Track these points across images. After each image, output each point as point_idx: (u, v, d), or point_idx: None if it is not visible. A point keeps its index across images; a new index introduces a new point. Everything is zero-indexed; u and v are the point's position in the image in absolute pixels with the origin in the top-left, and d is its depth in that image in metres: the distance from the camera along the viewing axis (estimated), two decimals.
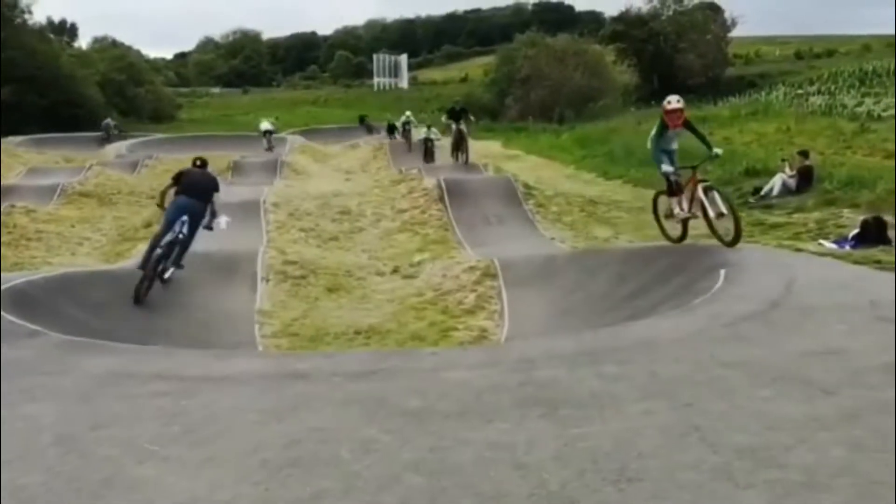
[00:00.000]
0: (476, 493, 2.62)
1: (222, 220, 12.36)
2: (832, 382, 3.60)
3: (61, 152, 30.46)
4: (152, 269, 8.51)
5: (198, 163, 9.85)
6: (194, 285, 9.68)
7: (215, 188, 9.38)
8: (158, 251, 8.57)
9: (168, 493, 2.71)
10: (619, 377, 3.85)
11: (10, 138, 31.13)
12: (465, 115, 22.17)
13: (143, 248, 12.79)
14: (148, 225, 15.13)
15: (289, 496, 2.66)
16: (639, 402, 3.45)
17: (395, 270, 11.49)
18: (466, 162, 21.36)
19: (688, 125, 8.74)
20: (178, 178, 9.23)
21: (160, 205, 9.45)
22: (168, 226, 8.74)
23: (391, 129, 32.19)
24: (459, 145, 21.68)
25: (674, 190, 8.72)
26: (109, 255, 13.34)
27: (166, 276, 8.87)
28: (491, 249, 11.67)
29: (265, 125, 31.93)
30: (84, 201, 18.20)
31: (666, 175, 8.70)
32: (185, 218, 8.76)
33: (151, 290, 8.50)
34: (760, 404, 3.36)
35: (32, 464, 2.94)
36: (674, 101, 8.62)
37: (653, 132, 8.84)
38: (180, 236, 8.74)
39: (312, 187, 19.24)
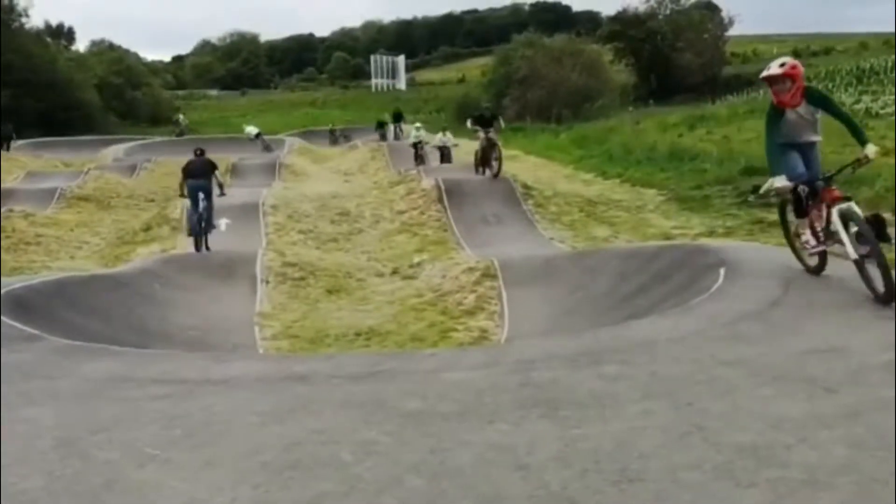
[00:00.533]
0: (477, 495, 2.61)
1: (222, 223, 13.40)
2: (833, 381, 3.60)
3: (59, 156, 30.45)
4: (196, 231, 12.24)
5: (198, 152, 13.07)
6: (194, 288, 9.69)
7: (214, 167, 12.88)
8: (195, 219, 12.28)
9: (168, 496, 2.71)
10: (620, 377, 3.85)
11: None
12: (496, 121, 17.87)
13: (141, 251, 13.02)
14: (147, 228, 15.16)
15: (289, 499, 2.66)
16: (639, 402, 3.44)
17: (395, 272, 11.50)
18: (497, 174, 16.90)
19: (816, 98, 5.79)
20: (186, 169, 12.63)
21: (181, 195, 12.80)
22: (194, 203, 12.31)
23: (396, 118, 30.75)
24: (489, 158, 17.15)
25: (802, 208, 5.70)
26: (108, 259, 13.34)
27: (210, 232, 12.48)
28: (490, 250, 11.67)
29: (251, 129, 32.06)
30: (83, 205, 18.21)
31: (791, 188, 5.62)
32: (201, 194, 12.28)
33: (154, 293, 9.23)
34: (761, 403, 3.36)
35: (33, 468, 2.94)
36: (774, 66, 5.65)
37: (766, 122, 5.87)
38: (204, 204, 12.30)
39: (311, 189, 19.24)
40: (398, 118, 30.98)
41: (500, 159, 17.06)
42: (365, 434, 3.19)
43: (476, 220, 14.43)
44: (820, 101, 5.82)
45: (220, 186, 12.90)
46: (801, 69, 5.70)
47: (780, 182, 5.60)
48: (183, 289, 9.68)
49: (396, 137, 30.20)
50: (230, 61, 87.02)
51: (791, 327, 4.70)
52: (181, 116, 42.94)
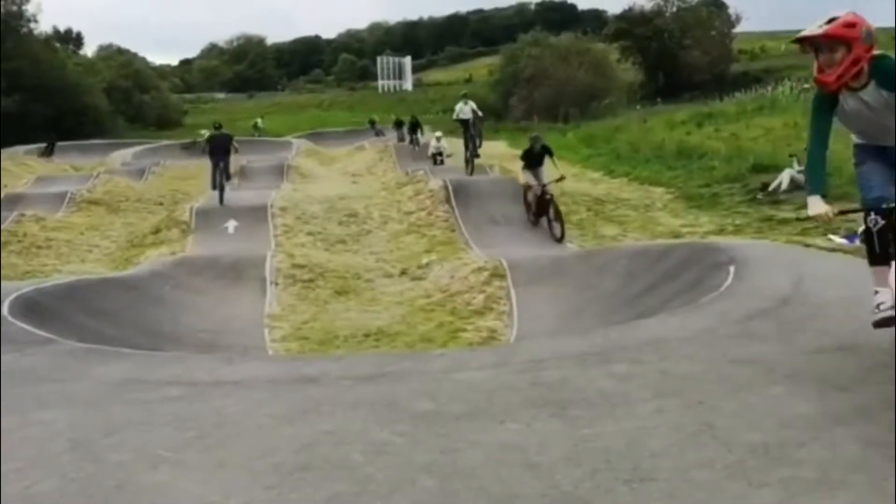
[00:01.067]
0: (488, 495, 2.61)
1: (230, 224, 13.69)
2: (845, 379, 3.58)
3: (69, 160, 30.63)
4: (220, 187, 16.68)
5: (216, 125, 18.98)
6: (204, 290, 9.74)
7: (231, 139, 18.15)
8: (218, 177, 16.94)
9: (181, 498, 2.72)
10: (630, 376, 3.84)
11: (17, 147, 31.33)
12: (549, 153, 14.14)
13: (151, 253, 13.07)
14: (156, 231, 15.23)
15: (302, 500, 2.67)
16: (650, 401, 3.43)
17: (403, 272, 11.51)
18: (562, 236, 12.69)
19: (884, 73, 3.36)
20: (209, 139, 18.22)
21: (203, 151, 18.18)
22: (216, 167, 17.08)
23: (413, 128, 29.53)
24: (546, 211, 13.41)
25: (876, 251, 3.55)
26: (118, 262, 13.41)
27: (226, 186, 17.10)
28: (498, 250, 11.66)
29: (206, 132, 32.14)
30: (93, 209, 18.30)
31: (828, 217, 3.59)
32: (220, 160, 17.09)
33: (164, 295, 9.37)
34: (773, 401, 3.35)
35: (46, 470, 2.95)
36: (813, 28, 3.39)
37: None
38: (222, 163, 17.15)
39: (319, 191, 19.27)
40: (414, 128, 28.97)
41: (560, 220, 12.97)
42: (376, 435, 3.20)
43: (484, 219, 14.42)
44: (891, 79, 3.33)
45: (235, 149, 18.02)
46: (863, 27, 3.35)
47: (814, 207, 3.53)
48: (193, 291, 9.73)
49: (413, 143, 28.08)
50: (237, 64, 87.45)
51: (802, 325, 4.67)
52: (259, 120, 45.54)
